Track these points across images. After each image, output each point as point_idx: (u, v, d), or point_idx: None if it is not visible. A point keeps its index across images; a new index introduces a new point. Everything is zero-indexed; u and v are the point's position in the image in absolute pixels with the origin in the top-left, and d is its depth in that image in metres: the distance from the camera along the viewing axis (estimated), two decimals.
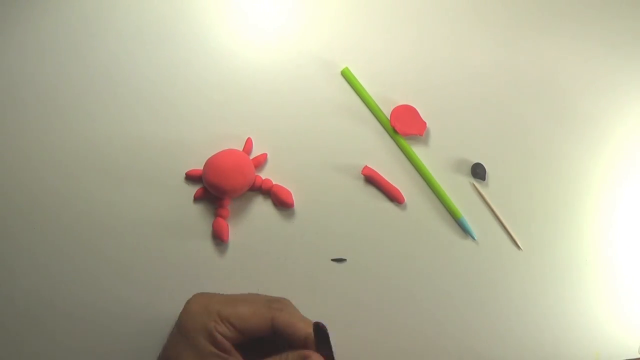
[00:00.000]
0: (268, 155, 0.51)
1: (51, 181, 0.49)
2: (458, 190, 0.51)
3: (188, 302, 0.42)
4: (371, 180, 0.51)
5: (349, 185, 0.51)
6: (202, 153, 0.50)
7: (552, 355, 0.49)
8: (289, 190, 0.50)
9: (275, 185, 0.50)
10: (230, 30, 0.52)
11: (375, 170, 0.51)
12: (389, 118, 0.51)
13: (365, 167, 0.51)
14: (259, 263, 0.49)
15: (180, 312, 0.42)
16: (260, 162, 0.50)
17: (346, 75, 0.52)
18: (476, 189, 0.51)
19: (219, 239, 0.49)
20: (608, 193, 0.52)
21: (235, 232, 0.49)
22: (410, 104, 0.51)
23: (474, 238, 0.51)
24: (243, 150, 0.50)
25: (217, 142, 0.50)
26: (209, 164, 0.48)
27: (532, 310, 0.50)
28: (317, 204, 0.50)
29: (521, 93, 0.53)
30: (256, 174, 0.50)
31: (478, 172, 0.51)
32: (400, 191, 0.50)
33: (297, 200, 0.50)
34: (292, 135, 0.51)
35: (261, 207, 0.50)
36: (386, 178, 0.51)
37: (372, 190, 0.51)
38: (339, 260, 0.49)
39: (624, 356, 0.50)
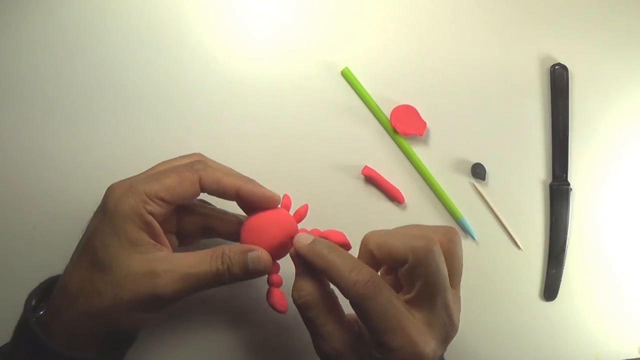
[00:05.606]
0: (270, 157, 0.50)
1: (52, 183, 0.49)
2: (458, 190, 0.51)
3: (110, 188, 0.39)
4: (371, 180, 0.51)
5: (349, 185, 0.51)
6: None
7: (552, 355, 0.49)
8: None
9: None
10: (229, 31, 0.52)
11: (375, 170, 0.51)
12: (389, 118, 0.51)
13: (365, 167, 0.51)
14: None
15: (103, 199, 0.38)
16: (301, 216, 0.43)
17: (346, 75, 0.52)
18: (476, 189, 0.51)
19: (277, 310, 0.41)
20: (608, 193, 0.52)
21: None
22: (410, 104, 0.51)
23: (474, 238, 0.51)
24: (281, 206, 0.43)
25: (218, 144, 0.50)
26: (248, 233, 0.41)
27: (531, 310, 0.50)
28: (317, 204, 0.50)
29: (521, 93, 0.53)
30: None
31: (478, 172, 0.51)
32: (400, 191, 0.50)
33: (297, 200, 0.50)
34: (292, 135, 0.51)
35: None
36: (386, 178, 0.51)
37: (372, 190, 0.51)
38: None
39: (623, 356, 0.50)
